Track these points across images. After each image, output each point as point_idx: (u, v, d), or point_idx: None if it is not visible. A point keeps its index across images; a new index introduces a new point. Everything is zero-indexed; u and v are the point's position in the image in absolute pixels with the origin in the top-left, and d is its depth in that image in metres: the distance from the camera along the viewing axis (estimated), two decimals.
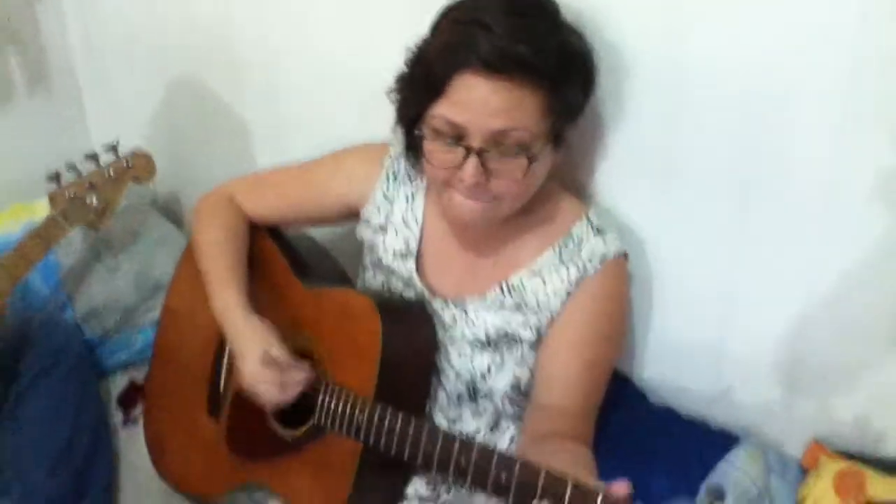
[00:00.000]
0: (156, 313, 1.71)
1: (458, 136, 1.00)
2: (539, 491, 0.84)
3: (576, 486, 0.82)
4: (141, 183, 1.57)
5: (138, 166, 1.54)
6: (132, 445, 1.53)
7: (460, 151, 1.00)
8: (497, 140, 0.99)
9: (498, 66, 0.95)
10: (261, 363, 1.10)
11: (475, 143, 0.99)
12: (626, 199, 1.24)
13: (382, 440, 1.02)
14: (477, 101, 0.97)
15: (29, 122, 1.92)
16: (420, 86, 1.04)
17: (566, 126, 1.06)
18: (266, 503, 1.29)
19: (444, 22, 1.04)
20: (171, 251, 1.76)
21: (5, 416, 1.39)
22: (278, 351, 1.12)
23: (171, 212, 1.97)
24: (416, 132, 1.05)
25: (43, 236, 1.41)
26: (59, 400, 1.42)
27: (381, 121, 1.33)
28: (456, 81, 0.98)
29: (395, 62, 1.16)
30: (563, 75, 1.01)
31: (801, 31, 1.01)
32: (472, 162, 0.99)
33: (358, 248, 1.35)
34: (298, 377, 1.11)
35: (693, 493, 1.16)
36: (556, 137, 1.05)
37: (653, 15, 1.11)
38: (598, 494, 0.80)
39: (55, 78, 1.95)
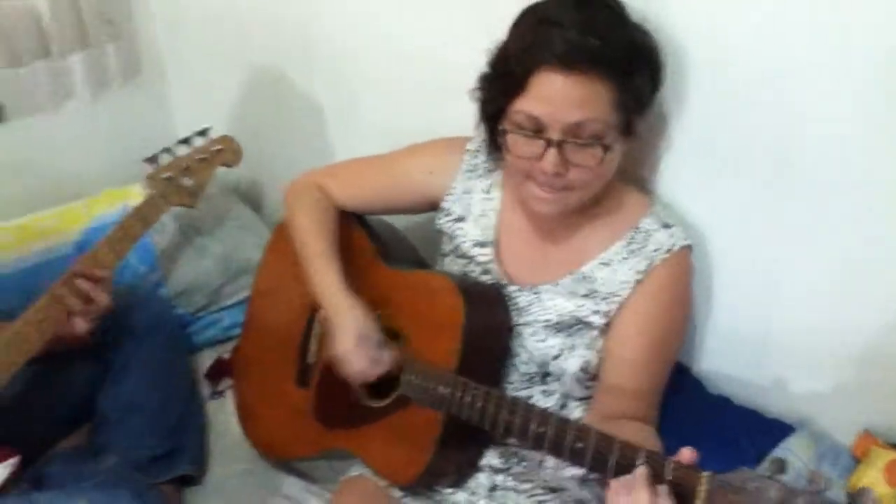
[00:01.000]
0: (241, 294, 1.83)
1: (538, 129, 1.08)
2: (615, 457, 0.93)
3: (649, 453, 0.91)
4: (229, 166, 1.69)
5: (226, 150, 1.66)
6: (219, 416, 1.65)
7: (540, 143, 1.08)
8: (574, 132, 1.07)
9: (571, 60, 1.04)
10: (356, 342, 1.20)
11: (554, 135, 1.07)
12: (684, 194, 1.31)
13: (464, 411, 1.10)
14: (555, 95, 1.06)
15: (120, 110, 2.02)
16: (502, 84, 1.12)
17: (636, 118, 1.13)
18: (345, 469, 1.39)
19: (522, 23, 1.12)
20: (254, 236, 1.89)
21: (109, 380, 1.50)
22: (372, 331, 1.21)
23: (250, 198, 2.07)
24: (500, 127, 1.14)
25: (143, 215, 1.52)
26: (156, 367, 1.53)
27: (452, 115, 1.41)
28: (535, 78, 1.06)
29: (467, 59, 1.23)
30: (631, 68, 1.09)
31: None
32: (552, 153, 1.08)
33: (432, 235, 1.43)
34: (387, 356, 1.21)
35: None
36: (627, 129, 1.12)
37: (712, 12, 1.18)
38: (669, 460, 0.89)
39: (145, 67, 2.06)
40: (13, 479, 1.26)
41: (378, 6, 1.62)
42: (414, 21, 1.57)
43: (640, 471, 0.89)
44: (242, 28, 1.89)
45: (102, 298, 1.38)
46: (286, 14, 1.79)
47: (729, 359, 1.38)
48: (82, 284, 1.36)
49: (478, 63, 1.21)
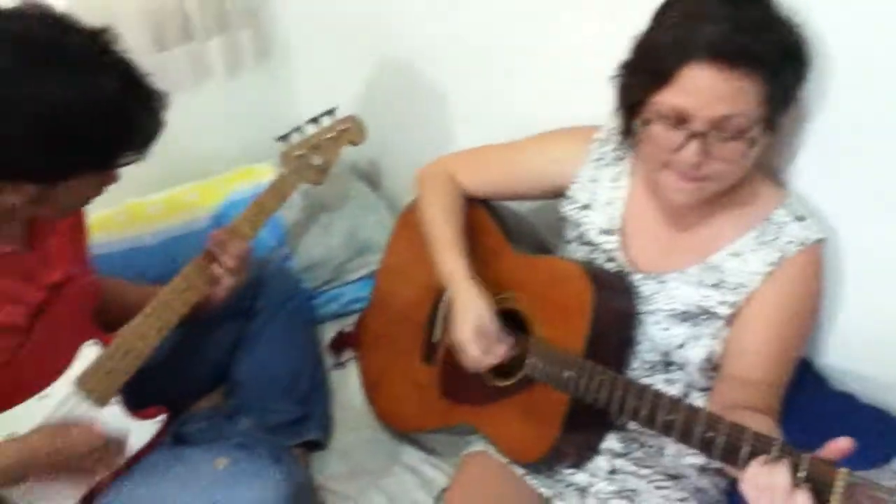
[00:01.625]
0: (361, 271, 1.91)
1: (681, 120, 1.09)
2: (748, 447, 0.94)
3: (784, 445, 0.91)
4: (354, 144, 1.75)
5: (352, 129, 1.73)
6: (342, 386, 1.73)
7: (683, 134, 1.09)
8: (719, 125, 1.07)
9: (722, 55, 1.04)
10: (473, 331, 1.25)
11: (698, 126, 1.08)
12: (817, 185, 1.28)
13: (591, 395, 1.13)
14: (703, 88, 1.06)
15: (250, 91, 2.12)
16: (646, 75, 1.12)
17: (780, 112, 1.13)
18: (461, 443, 1.44)
19: (668, 15, 1.12)
20: (374, 215, 1.96)
21: (244, 348, 1.60)
22: (490, 322, 1.25)
23: (369, 177, 2.15)
24: (640, 117, 1.15)
25: (277, 191, 1.60)
26: (288, 336, 1.62)
27: (579, 105, 1.43)
28: (683, 71, 1.07)
29: (596, 50, 1.24)
30: (781, 64, 1.08)
31: None
32: (695, 144, 1.08)
33: (554, 221, 1.46)
34: (500, 350, 1.26)
35: None
36: (770, 123, 1.12)
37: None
38: (805, 453, 0.89)
39: (274, 51, 2.15)
40: (159, 435, 1.36)
41: None
42: (544, 12, 1.58)
43: (783, 461, 0.90)
44: (371, 17, 1.94)
45: (241, 270, 1.47)
46: (417, 4, 1.83)
47: (855, 355, 1.35)
48: (223, 257, 1.45)
49: (607, 54, 1.22)
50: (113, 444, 1.28)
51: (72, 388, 1.26)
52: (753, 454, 0.94)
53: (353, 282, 1.92)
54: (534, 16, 1.60)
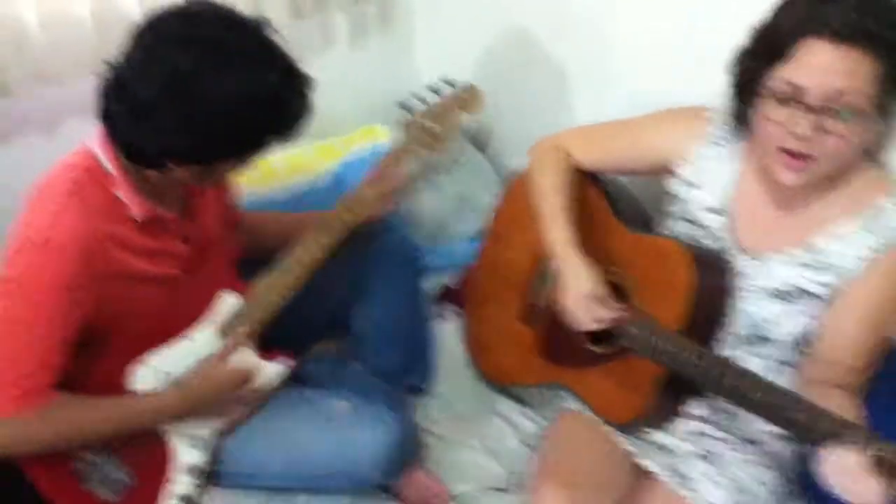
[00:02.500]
0: (468, 231, 2.01)
1: (795, 96, 1.13)
2: (829, 434, 1.02)
3: (862, 430, 0.99)
4: (471, 114, 1.82)
5: (471, 99, 1.77)
6: (445, 336, 1.85)
7: (797, 110, 1.13)
8: (832, 100, 1.11)
9: (847, 35, 1.08)
10: (584, 297, 1.33)
11: (812, 101, 1.12)
12: None
13: (688, 370, 1.21)
14: (821, 64, 1.10)
15: (375, 56, 2.21)
16: (765, 52, 1.17)
17: (893, 97, 1.16)
18: (553, 398, 1.54)
19: (792, 2, 1.16)
20: (481, 178, 2.05)
21: (360, 298, 1.71)
22: (599, 289, 1.34)
23: (477, 141, 2.21)
24: (758, 92, 1.19)
25: (398, 158, 1.67)
26: (400, 290, 1.72)
27: (697, 86, 1.46)
28: (802, 46, 1.11)
29: (717, 32, 1.26)
30: None
31: None
32: (809, 118, 1.13)
33: (660, 194, 1.52)
34: (610, 314, 1.34)
35: None
36: (883, 107, 1.15)
37: None
38: (882, 441, 0.96)
39: (397, 20, 2.23)
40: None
41: None
42: None
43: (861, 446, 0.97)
44: None
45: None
46: None
47: None
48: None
49: (728, 39, 1.26)
50: (247, 388, 1.44)
51: (213, 333, 1.43)
52: (834, 436, 1.01)
53: (459, 240, 2.02)
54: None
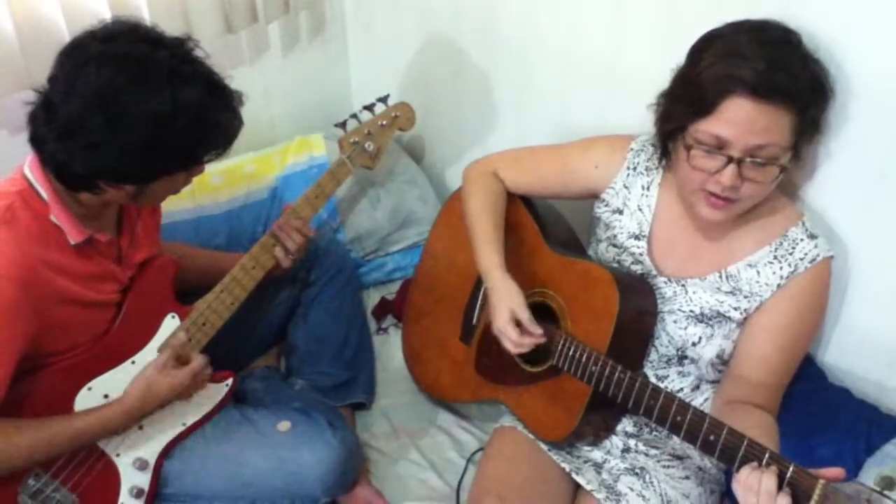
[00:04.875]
0: (403, 242, 2.06)
1: (719, 147, 1.21)
2: (741, 452, 1.10)
3: (772, 454, 1.07)
4: (403, 131, 1.87)
5: (403, 117, 1.84)
6: (384, 350, 1.90)
7: (721, 159, 1.21)
8: (753, 152, 1.20)
9: (762, 92, 1.16)
10: (509, 321, 1.38)
11: (736, 153, 1.20)
12: (836, 205, 1.40)
13: (611, 389, 1.28)
14: (743, 120, 1.18)
15: (306, 65, 2.22)
16: (689, 105, 1.24)
17: (807, 141, 1.26)
18: (492, 412, 1.60)
19: (707, 52, 1.23)
20: (417, 189, 2.09)
21: (300, 313, 1.77)
22: (523, 313, 1.38)
23: (412, 150, 2.26)
24: (682, 141, 1.26)
25: (335, 175, 1.73)
26: (339, 304, 1.77)
27: (618, 114, 1.52)
28: (725, 104, 1.19)
29: (642, 64, 1.31)
30: (811, 99, 1.21)
31: None
32: (732, 168, 1.21)
33: (586, 217, 1.58)
34: (532, 340, 1.38)
35: (856, 465, 1.34)
36: (798, 151, 1.24)
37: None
38: (791, 462, 1.05)
39: (329, 31, 2.25)
40: (226, 396, 1.53)
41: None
42: (592, 21, 1.67)
43: (772, 468, 1.06)
44: (425, 2, 2.02)
45: (302, 250, 1.63)
46: None
47: (854, 356, 1.49)
48: (287, 242, 1.60)
49: (651, 67, 1.33)
50: (194, 386, 1.44)
51: (156, 354, 1.44)
52: (746, 459, 1.10)
53: (395, 252, 2.07)
54: (585, 24, 1.68)
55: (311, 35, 2.19)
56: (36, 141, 1.24)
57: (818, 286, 1.33)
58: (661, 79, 1.32)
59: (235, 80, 1.32)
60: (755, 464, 1.08)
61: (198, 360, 1.42)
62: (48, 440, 1.29)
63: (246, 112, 1.30)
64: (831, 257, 1.33)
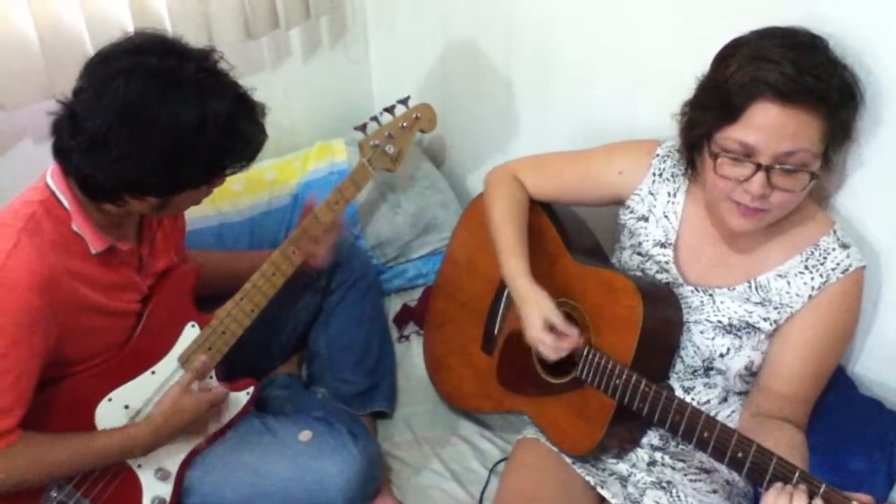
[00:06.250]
0: (425, 249, 2.04)
1: (746, 154, 1.18)
2: (771, 471, 1.07)
3: (802, 473, 1.04)
4: (425, 132, 1.85)
5: (424, 118, 1.82)
6: (406, 358, 1.89)
7: (749, 167, 1.18)
8: (783, 159, 1.17)
9: (790, 96, 1.13)
10: (543, 328, 1.36)
11: (764, 160, 1.17)
12: (868, 213, 1.36)
13: (636, 403, 1.26)
14: (770, 125, 1.15)
15: (328, 70, 2.23)
16: (714, 112, 1.21)
17: (837, 148, 1.22)
18: (515, 422, 1.58)
19: (733, 58, 1.20)
20: (438, 194, 2.08)
21: (322, 321, 1.76)
22: (556, 318, 1.36)
23: (432, 153, 2.25)
24: (708, 150, 1.23)
25: (355, 179, 1.71)
26: (360, 311, 1.76)
27: (641, 114, 1.49)
28: (751, 109, 1.16)
29: (663, 63, 1.28)
30: (840, 103, 1.17)
31: None
32: (761, 176, 1.18)
33: (610, 225, 1.56)
34: (570, 343, 1.36)
35: (889, 479, 1.31)
36: (828, 158, 1.21)
37: None
38: (822, 484, 1.02)
39: (350, 33, 2.24)
40: (248, 404, 1.53)
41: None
42: (616, 20, 1.64)
43: (801, 488, 1.03)
44: (447, 4, 2.01)
45: (323, 253, 1.62)
46: None
47: (888, 367, 1.44)
48: (307, 243, 1.60)
49: (673, 70, 1.30)
50: (213, 411, 1.47)
51: (176, 364, 1.44)
52: (776, 478, 1.07)
53: (417, 259, 2.05)
54: (608, 22, 1.66)
55: (331, 40, 2.19)
56: (61, 153, 1.24)
57: (850, 297, 1.30)
58: (684, 81, 1.30)
59: (256, 86, 1.31)
60: (786, 484, 1.05)
61: (217, 392, 1.44)
62: (79, 460, 1.31)
63: (267, 118, 1.31)
64: (864, 267, 1.29)
